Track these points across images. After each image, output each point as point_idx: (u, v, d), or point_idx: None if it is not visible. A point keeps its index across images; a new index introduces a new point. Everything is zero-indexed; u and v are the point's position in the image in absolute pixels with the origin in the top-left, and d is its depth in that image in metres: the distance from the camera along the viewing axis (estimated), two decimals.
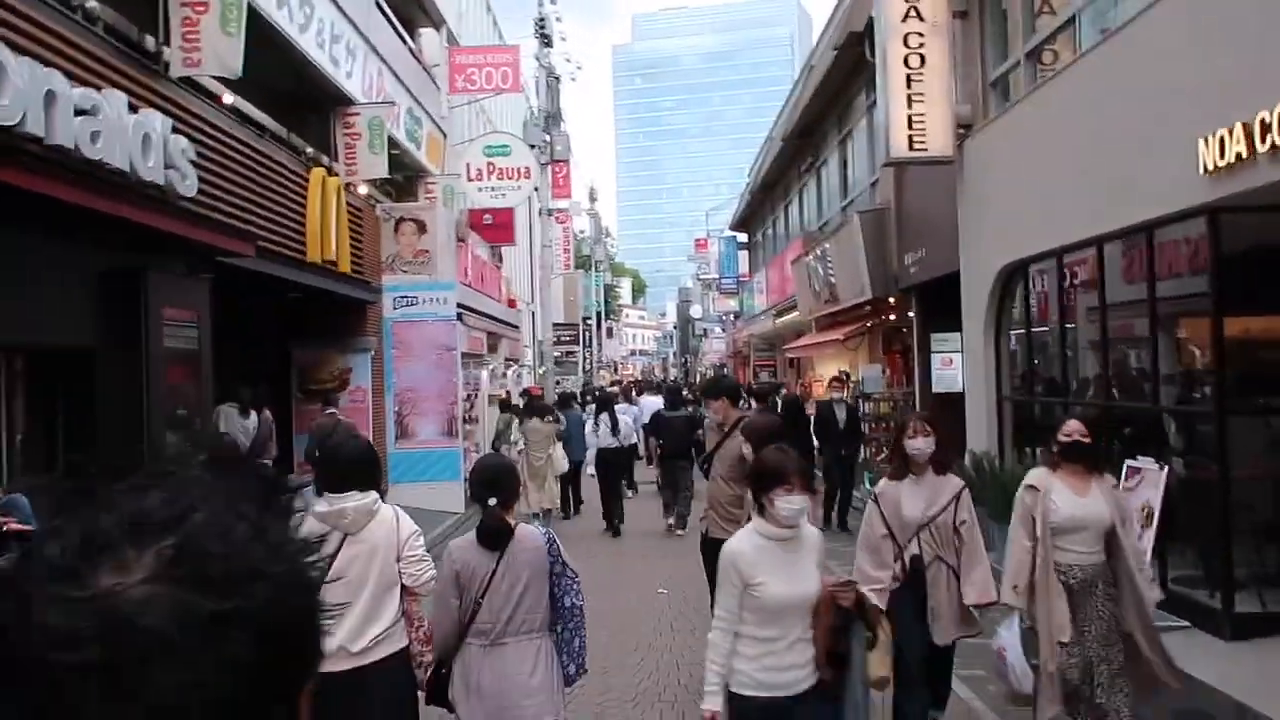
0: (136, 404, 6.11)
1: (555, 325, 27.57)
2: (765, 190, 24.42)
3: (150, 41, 6.98)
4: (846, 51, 13.08)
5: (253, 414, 9.41)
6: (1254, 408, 6.00)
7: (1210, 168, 5.19)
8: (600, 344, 46.62)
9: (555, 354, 26.68)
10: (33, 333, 5.59)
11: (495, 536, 3.25)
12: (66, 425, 6.00)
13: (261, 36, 8.47)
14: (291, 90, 10.51)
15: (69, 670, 0.56)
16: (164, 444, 5.98)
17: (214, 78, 7.83)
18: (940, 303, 11.40)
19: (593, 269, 45.32)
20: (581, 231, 45.43)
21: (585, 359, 38.34)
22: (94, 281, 6.08)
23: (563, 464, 11.46)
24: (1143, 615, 3.73)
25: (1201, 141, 5.24)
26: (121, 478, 0.67)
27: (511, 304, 20.82)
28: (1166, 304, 6.36)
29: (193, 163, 6.54)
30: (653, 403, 15.26)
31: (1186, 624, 5.63)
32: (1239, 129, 4.94)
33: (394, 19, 13.45)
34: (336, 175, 10.40)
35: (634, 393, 17.82)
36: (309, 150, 10.83)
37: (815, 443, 10.80)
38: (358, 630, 3.27)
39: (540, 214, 22.16)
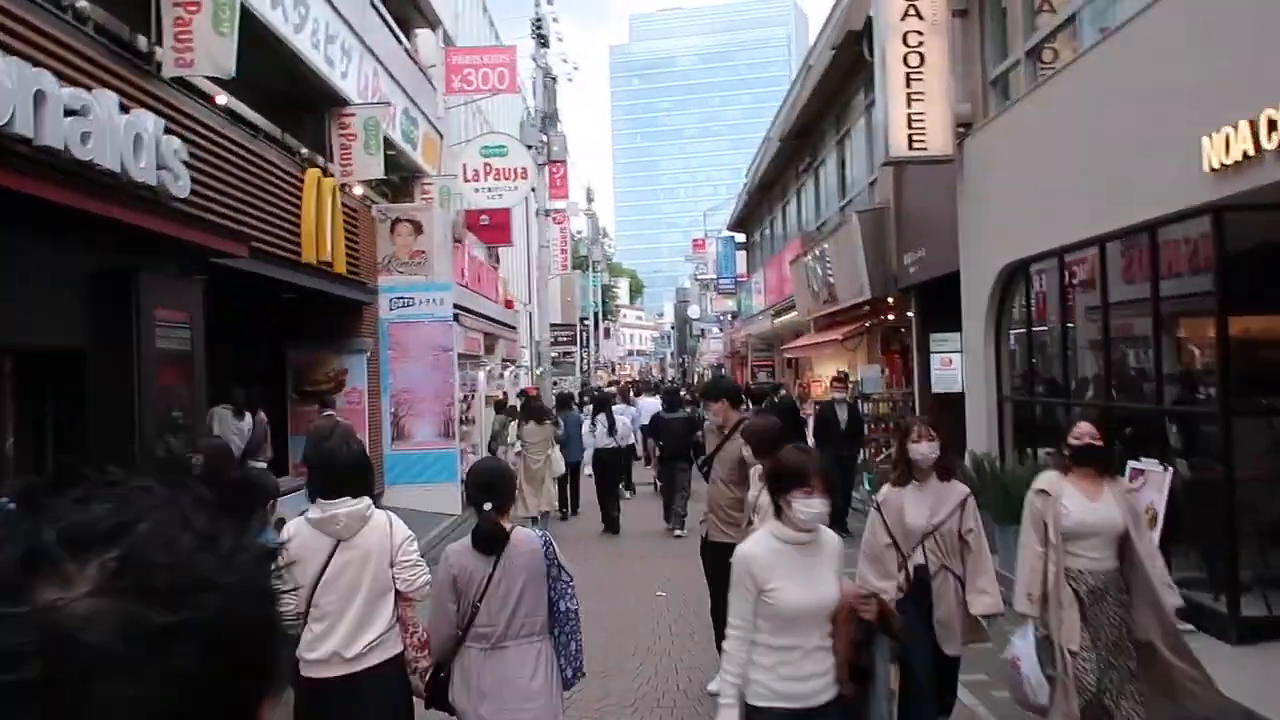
0: (128, 406, 6.04)
1: (553, 326, 27.50)
2: (763, 190, 24.36)
3: (142, 41, 6.91)
4: (844, 51, 13.01)
5: (247, 416, 9.34)
6: (1257, 408, 5.95)
7: (1215, 166, 5.13)
8: (598, 344, 46.55)
9: (553, 355, 26.60)
10: (22, 334, 5.52)
11: (491, 541, 3.23)
12: (57, 428, 5.93)
13: (255, 36, 8.40)
14: (286, 91, 10.44)
15: (9, 689, 0.55)
16: (156, 446, 5.93)
17: (207, 78, 7.77)
18: (940, 303, 11.35)
19: (590, 269, 45.24)
20: (579, 232, 45.36)
21: (583, 359, 38.27)
22: (85, 282, 6.01)
23: (560, 466, 11.40)
24: (1164, 622, 3.62)
25: (1206, 139, 5.19)
26: (71, 488, 0.65)
27: (509, 305, 20.74)
28: (1169, 303, 6.31)
29: (185, 163, 6.46)
30: (650, 404, 15.22)
31: (1191, 628, 5.56)
32: (1245, 126, 4.88)
33: (389, 19, 13.38)
34: (332, 176, 10.32)
35: (631, 393, 17.76)
36: (304, 151, 10.76)
37: (812, 444, 10.72)
38: (351, 636, 3.24)
39: (537, 214, 22.09)
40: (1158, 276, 6.23)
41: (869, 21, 11.12)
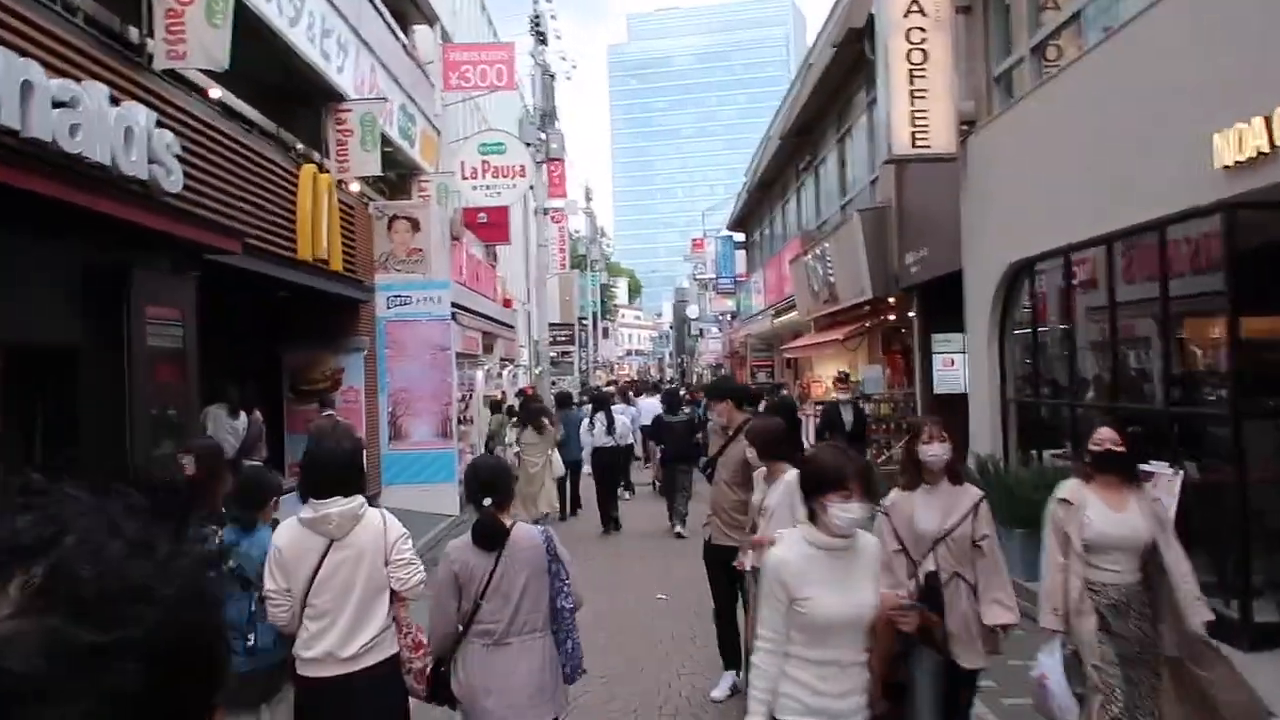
0: (119, 404, 5.92)
1: (551, 325, 27.38)
2: (763, 189, 24.26)
3: (133, 33, 6.78)
4: (846, 48, 12.92)
5: (242, 415, 9.20)
6: (1265, 409, 5.84)
7: (1227, 163, 5.03)
8: (596, 344, 46.44)
9: (551, 354, 26.49)
10: (11, 331, 5.39)
11: (491, 537, 3.21)
12: (46, 426, 5.80)
13: (249, 29, 8.28)
14: (281, 85, 10.32)
15: None
16: (148, 444, 5.81)
17: (200, 71, 7.66)
18: (942, 303, 11.26)
19: (588, 269, 45.12)
20: (577, 231, 45.23)
21: (581, 359, 38.16)
22: (75, 278, 5.88)
23: (559, 468, 11.32)
24: (1189, 637, 3.45)
25: (1218, 136, 5.09)
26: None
27: (507, 304, 20.63)
28: (1178, 303, 6.20)
29: (178, 158, 6.35)
30: (650, 404, 15.13)
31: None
32: (1258, 123, 4.79)
33: (387, 15, 13.26)
34: (328, 172, 10.21)
35: (631, 394, 17.66)
36: (299, 146, 10.64)
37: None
38: (346, 636, 3.22)
39: (536, 213, 21.97)
40: (1166, 276, 6.13)
41: (871, 19, 11.02)
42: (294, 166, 9.32)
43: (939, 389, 11.75)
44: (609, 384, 27.27)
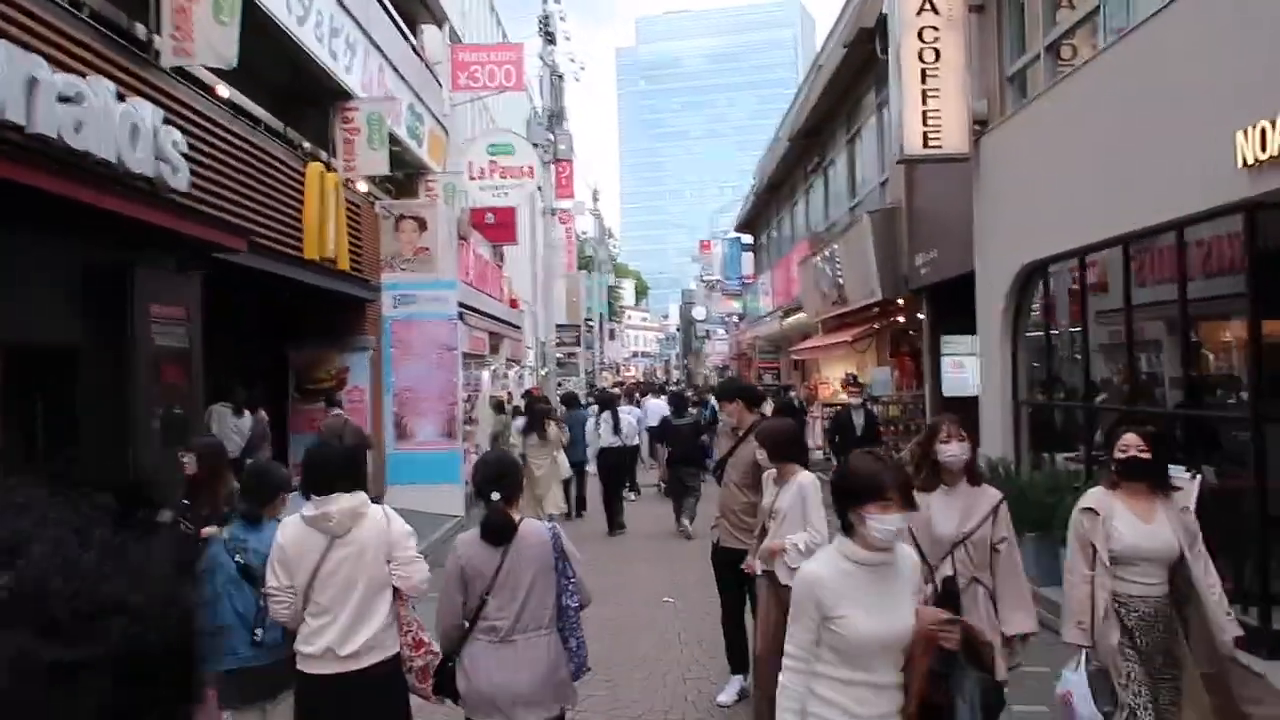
0: (122, 404, 5.87)
1: (558, 326, 27.34)
2: (771, 191, 24.18)
3: (140, 30, 6.75)
4: (856, 49, 12.84)
5: (247, 414, 9.18)
6: None
7: (1249, 161, 4.93)
8: (602, 346, 46.38)
9: (558, 355, 26.43)
10: (12, 330, 5.35)
11: (499, 531, 3.19)
12: (48, 427, 5.75)
13: (258, 27, 8.25)
14: (289, 84, 10.30)
15: None
16: (151, 445, 5.75)
17: (208, 69, 7.62)
18: (952, 304, 11.17)
19: (595, 270, 45.07)
20: (584, 232, 45.20)
21: (587, 360, 38.10)
22: (78, 277, 5.84)
23: (565, 469, 11.26)
24: (1219, 653, 3.32)
25: (1240, 134, 4.99)
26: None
27: (513, 304, 20.58)
28: (1197, 305, 6.10)
29: (184, 155, 6.30)
30: (657, 405, 15.07)
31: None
32: None
33: (395, 15, 13.23)
34: (335, 171, 10.16)
35: (638, 395, 17.59)
36: (306, 145, 10.61)
37: (827, 449, 10.47)
38: (347, 634, 3.20)
39: (543, 214, 21.93)
40: (1185, 277, 6.03)
41: (882, 19, 10.94)
42: (301, 165, 9.27)
43: (948, 391, 11.67)
44: (614, 385, 27.21)
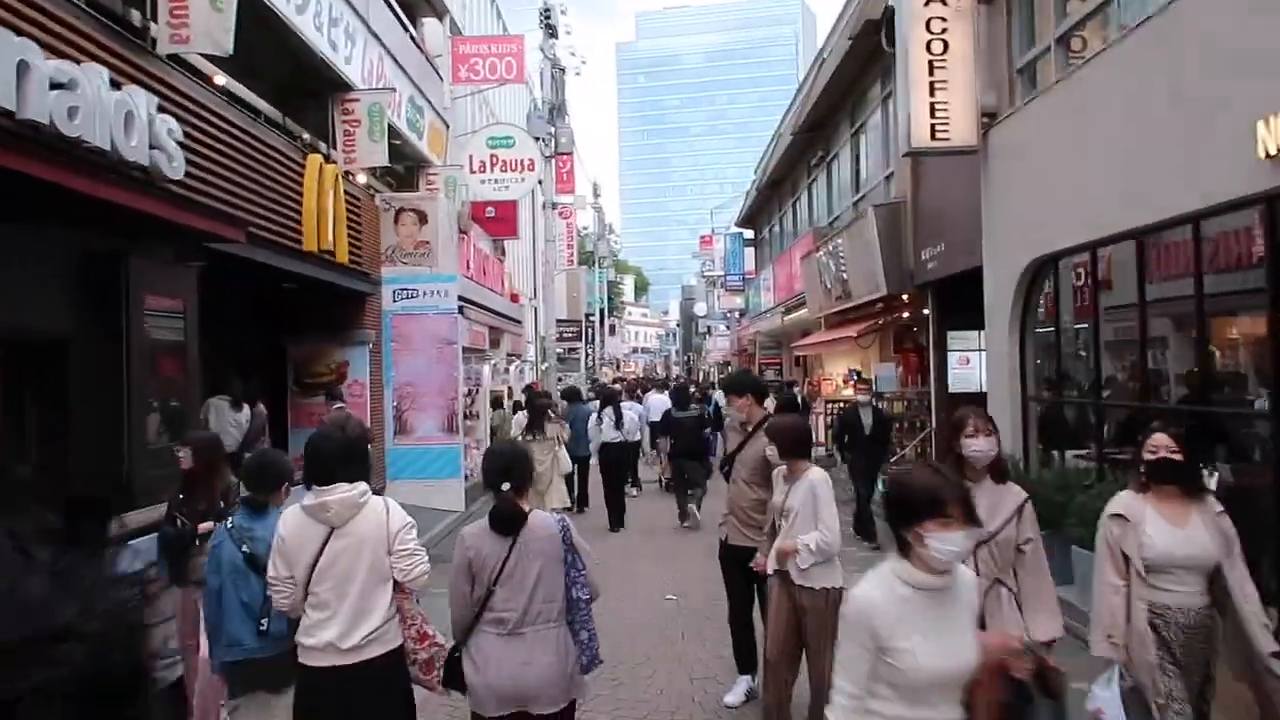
0: (116, 397, 5.76)
1: (558, 321, 27.21)
2: (773, 186, 24.04)
3: (136, 16, 6.63)
4: (861, 41, 12.70)
5: (245, 407, 9.07)
6: None
7: (1271, 152, 4.81)
8: (603, 341, 46.26)
9: (558, 350, 26.32)
10: (3, 320, 5.23)
11: (509, 522, 3.14)
12: (40, 420, 5.64)
13: (256, 16, 8.13)
14: (288, 74, 10.17)
15: None
16: (146, 438, 5.64)
17: (204, 57, 7.50)
18: (957, 300, 11.05)
19: (596, 265, 44.94)
20: (585, 228, 45.06)
21: (588, 356, 37.98)
22: (71, 267, 5.72)
23: (567, 464, 11.17)
24: (1257, 666, 3.13)
25: (1261, 124, 4.87)
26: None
27: (514, 299, 20.45)
28: (1213, 300, 5.98)
29: (180, 144, 6.19)
30: (659, 400, 14.99)
31: None
32: None
33: (395, 6, 13.09)
34: (334, 162, 10.04)
35: (639, 391, 17.48)
36: (306, 136, 10.49)
37: (835, 449, 10.33)
38: (349, 627, 3.16)
39: (544, 208, 21.78)
40: (1201, 271, 5.91)
41: (887, 10, 10.82)
42: (300, 156, 9.16)
43: (954, 387, 11.58)
44: (615, 381, 27.11)
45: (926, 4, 8.70)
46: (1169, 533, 3.22)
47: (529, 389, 16.21)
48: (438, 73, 15.86)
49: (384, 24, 12.30)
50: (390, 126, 11.50)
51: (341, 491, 3.22)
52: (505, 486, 3.18)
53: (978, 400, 9.91)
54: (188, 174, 6.30)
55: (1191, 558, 3.20)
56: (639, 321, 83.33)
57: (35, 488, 5.14)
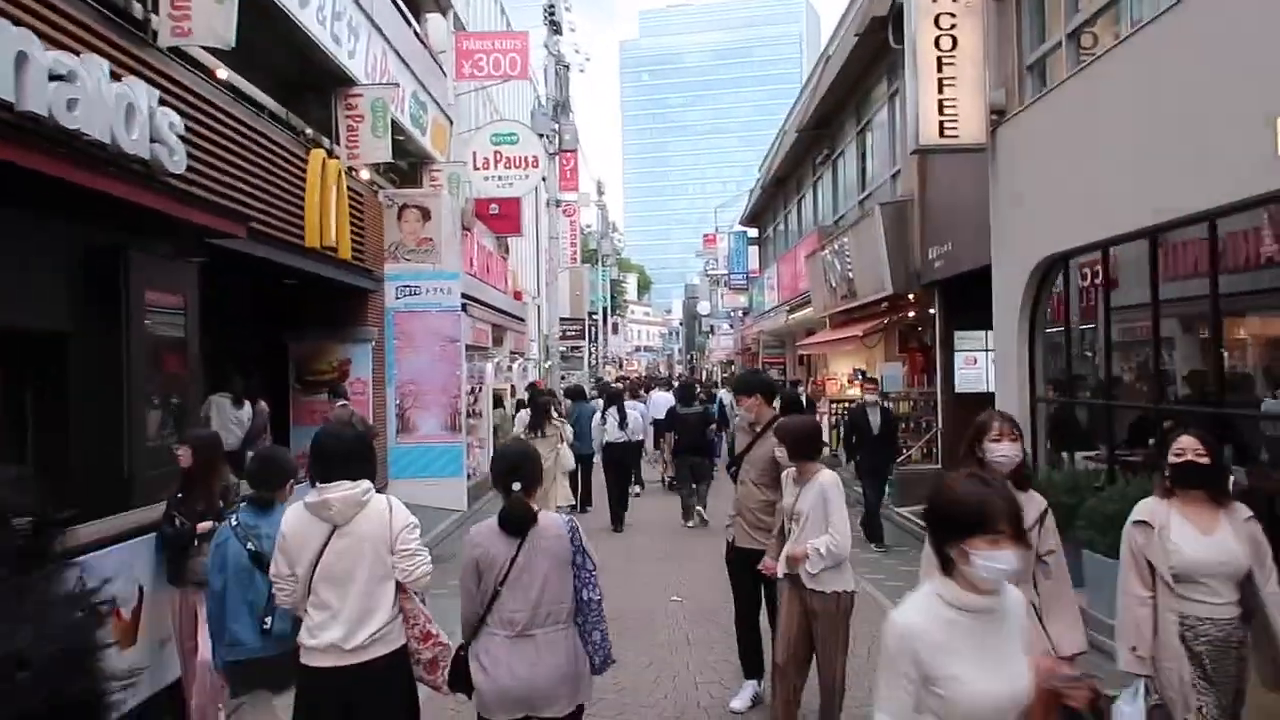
0: (115, 393, 5.68)
1: (562, 320, 27.15)
2: (778, 184, 23.96)
3: (137, 8, 6.54)
4: (868, 38, 12.61)
5: (246, 405, 8.99)
6: None
7: None
8: (606, 340, 46.19)
9: (561, 349, 26.25)
10: (0, 315, 5.16)
11: (519, 522, 3.11)
12: (37, 415, 5.56)
13: (259, 9, 8.05)
14: (291, 69, 10.09)
15: None
16: (145, 435, 5.56)
17: (207, 50, 7.42)
18: (964, 299, 10.97)
19: (599, 263, 44.86)
20: (588, 226, 44.98)
21: (591, 354, 37.91)
22: (70, 261, 5.64)
23: (570, 461, 11.10)
24: None
25: None
26: None
27: (517, 296, 20.38)
28: (1229, 300, 5.89)
29: (181, 138, 6.11)
30: (663, 398, 14.92)
31: None
32: None
33: (399, 1, 13.01)
34: (337, 158, 9.96)
35: (643, 390, 17.40)
36: (308, 131, 10.42)
37: (842, 450, 10.23)
38: (352, 627, 3.13)
39: (548, 205, 21.71)
40: (1216, 270, 5.81)
41: (894, 7, 10.73)
42: (303, 151, 9.07)
43: (960, 387, 11.49)
44: (618, 380, 27.04)
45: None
46: (1197, 540, 3.09)
47: (532, 387, 16.14)
48: (441, 69, 15.78)
49: (388, 19, 12.22)
50: (394, 122, 11.41)
51: (344, 489, 3.18)
52: (516, 487, 3.15)
53: (985, 401, 9.85)
54: (189, 168, 6.22)
55: (1221, 565, 3.07)
56: (642, 320, 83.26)
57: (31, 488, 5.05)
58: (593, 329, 38.88)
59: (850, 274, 14.00)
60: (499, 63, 16.81)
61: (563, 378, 24.13)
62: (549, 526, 3.18)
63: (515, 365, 19.77)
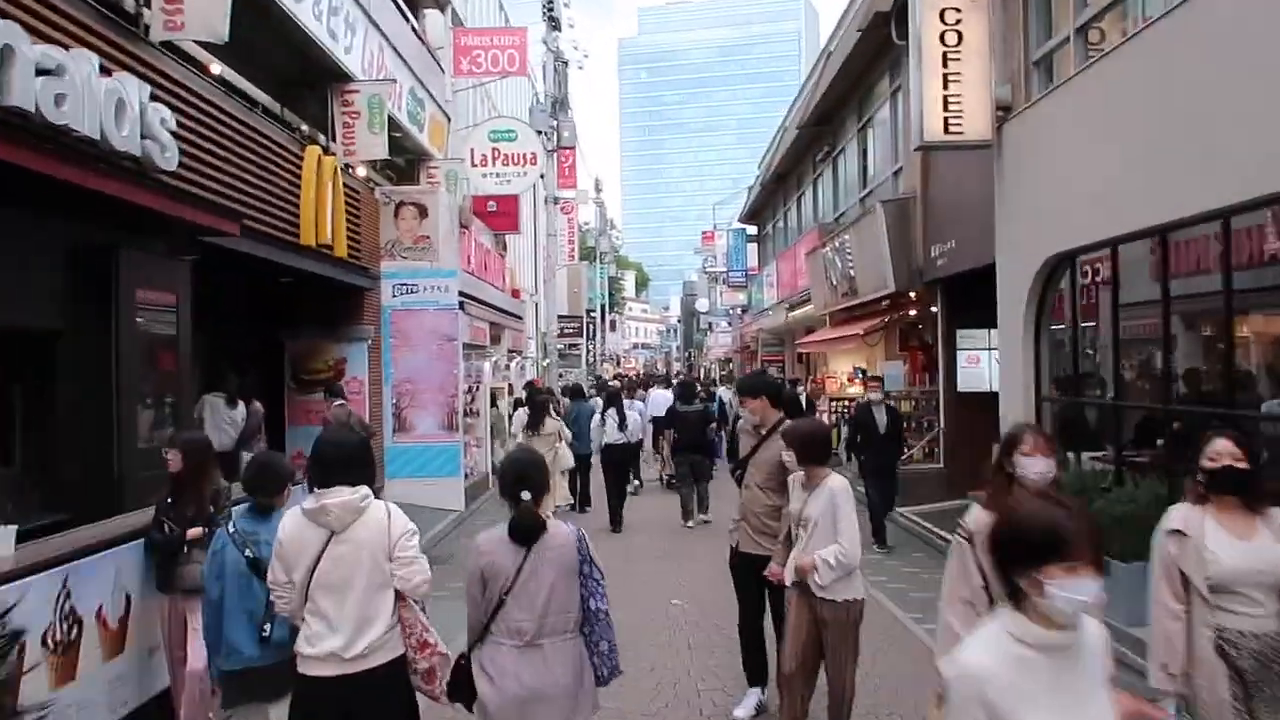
0: (105, 393, 5.57)
1: (560, 317, 27.05)
2: (777, 181, 23.84)
3: (128, 1, 6.42)
4: (870, 33, 12.50)
5: (240, 404, 8.87)
6: None
7: None
8: (604, 337, 46.09)
9: (559, 346, 26.14)
10: None
11: (528, 531, 3.09)
12: (25, 416, 5.45)
13: (254, 3, 7.93)
14: (286, 64, 9.97)
15: None
16: (136, 435, 5.45)
17: (200, 45, 7.30)
18: (966, 297, 10.88)
19: (597, 260, 44.74)
20: (586, 223, 44.86)
21: (589, 352, 37.81)
22: (60, 259, 5.53)
23: (568, 460, 11.02)
24: None
25: None
26: None
27: (515, 294, 20.25)
28: (1243, 298, 5.79)
29: (174, 134, 6.00)
30: (662, 396, 14.82)
31: None
32: None
33: None
34: (333, 155, 9.83)
35: (640, 390, 17.29)
36: (304, 127, 10.30)
37: (846, 450, 10.09)
38: (352, 637, 3.08)
39: (546, 202, 21.59)
40: (1230, 269, 5.71)
41: (897, 2, 10.62)
42: (298, 148, 8.95)
43: (963, 386, 11.40)
44: (615, 378, 26.95)
45: None
46: (1235, 548, 2.93)
47: (530, 385, 16.03)
48: (439, 65, 15.65)
49: (385, 14, 12.08)
50: (390, 119, 11.30)
51: (343, 495, 3.14)
52: (525, 496, 3.10)
53: (988, 400, 9.75)
54: (181, 165, 6.11)
55: (1261, 574, 2.91)
56: (639, 317, 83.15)
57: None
58: (590, 326, 38.80)
59: (851, 271, 13.90)
60: (497, 59, 16.68)
61: (561, 376, 24.03)
62: (556, 535, 3.13)
63: (513, 364, 19.66)
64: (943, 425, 11.87)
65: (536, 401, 11.35)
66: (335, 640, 3.07)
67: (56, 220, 5.44)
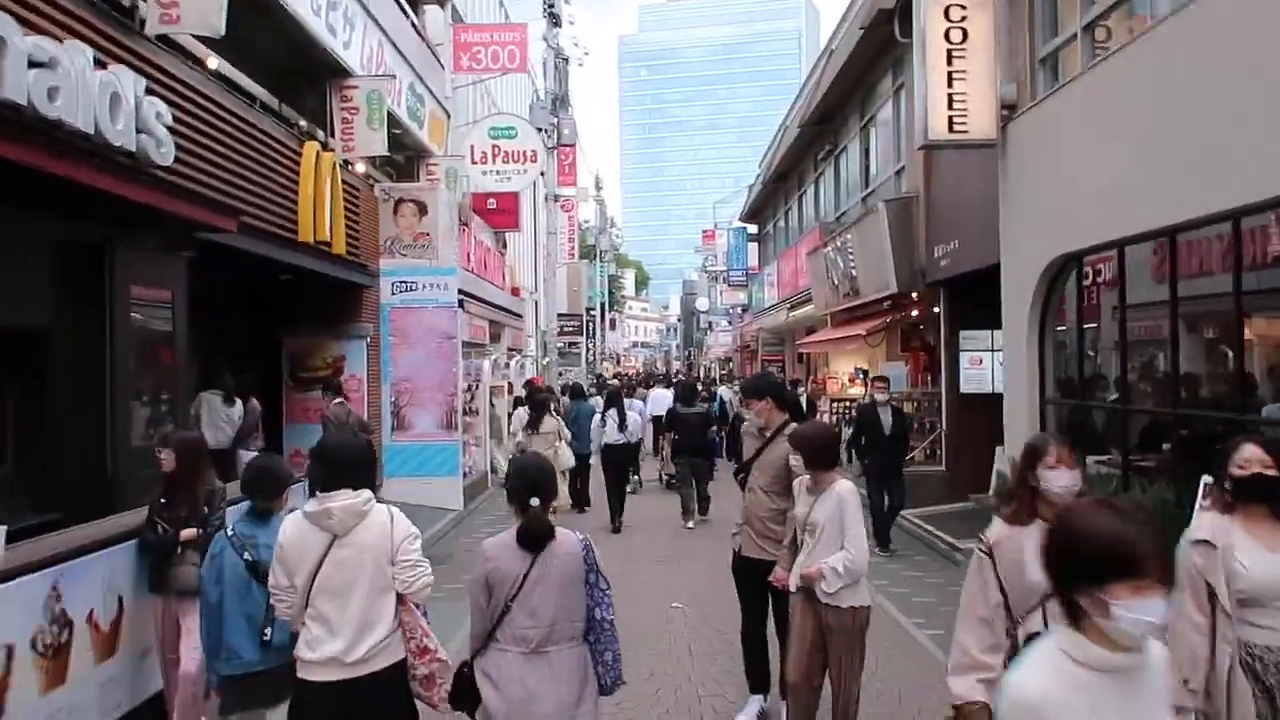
0: (99, 390, 5.49)
1: (560, 315, 26.96)
2: (778, 180, 23.76)
3: None
4: (873, 31, 12.41)
5: (238, 402, 8.80)
6: None
7: None
8: (603, 336, 46.01)
9: (559, 345, 26.06)
10: None
11: (538, 537, 3.08)
12: (16, 414, 5.36)
13: None
14: (284, 58, 9.87)
15: None
16: (130, 434, 5.36)
17: (197, 38, 7.21)
18: (969, 298, 10.80)
19: (597, 259, 44.65)
20: (586, 221, 44.76)
21: (588, 350, 37.72)
22: (53, 255, 5.44)
23: (568, 460, 10.95)
24: None
25: None
26: None
27: (515, 292, 20.18)
28: (1252, 299, 5.71)
29: (170, 129, 5.91)
30: (662, 395, 14.74)
31: None
32: None
33: None
34: (332, 151, 9.75)
35: (640, 389, 17.22)
36: (302, 123, 10.20)
37: (851, 451, 9.98)
38: (354, 639, 3.06)
39: (546, 200, 21.50)
40: (1240, 270, 5.63)
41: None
42: (296, 144, 8.86)
43: (965, 388, 11.31)
44: (614, 377, 26.87)
45: None
46: (1264, 558, 2.81)
47: (530, 384, 15.96)
48: (439, 61, 15.55)
49: (384, 9, 11.99)
50: (390, 115, 11.21)
51: (346, 499, 3.12)
52: (535, 502, 3.09)
53: (991, 401, 9.67)
54: (177, 160, 6.03)
55: None
56: (639, 316, 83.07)
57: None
58: (590, 325, 38.70)
59: (853, 271, 13.82)
60: (497, 55, 16.58)
61: (560, 374, 23.95)
62: (563, 543, 3.12)
63: (513, 362, 19.59)
64: (945, 427, 11.80)
65: (537, 400, 11.29)
66: (336, 644, 3.05)
67: (50, 216, 5.36)
